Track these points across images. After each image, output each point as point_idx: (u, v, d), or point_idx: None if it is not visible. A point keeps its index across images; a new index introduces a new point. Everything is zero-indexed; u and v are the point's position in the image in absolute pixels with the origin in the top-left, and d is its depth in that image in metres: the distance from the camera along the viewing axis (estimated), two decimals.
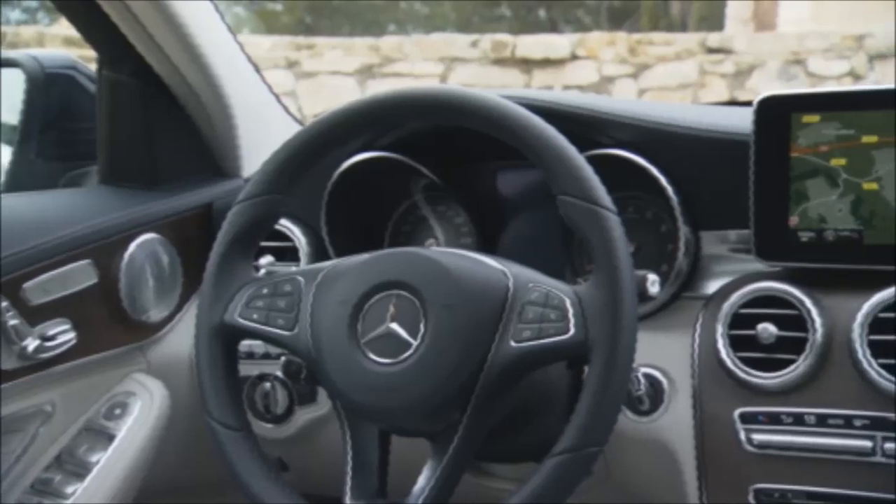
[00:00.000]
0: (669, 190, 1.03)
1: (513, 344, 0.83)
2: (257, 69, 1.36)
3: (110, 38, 1.20)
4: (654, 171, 1.03)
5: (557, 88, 5.96)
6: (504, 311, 0.84)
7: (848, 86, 0.96)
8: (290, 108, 1.45)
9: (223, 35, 1.28)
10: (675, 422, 1.01)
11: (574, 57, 6.03)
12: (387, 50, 6.22)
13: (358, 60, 6.17)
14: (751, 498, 0.94)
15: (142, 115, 1.26)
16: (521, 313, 0.83)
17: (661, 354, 1.04)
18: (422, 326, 0.84)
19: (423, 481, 0.84)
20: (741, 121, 0.99)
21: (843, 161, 0.94)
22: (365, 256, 0.91)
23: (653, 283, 0.90)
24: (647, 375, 1.03)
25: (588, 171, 0.85)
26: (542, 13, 13.43)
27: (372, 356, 0.84)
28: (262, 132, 1.33)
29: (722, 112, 1.10)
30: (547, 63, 6.02)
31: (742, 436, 0.95)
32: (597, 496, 1.10)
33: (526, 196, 1.20)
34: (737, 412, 0.96)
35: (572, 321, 0.82)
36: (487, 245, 1.19)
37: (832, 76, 5.57)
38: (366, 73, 6.15)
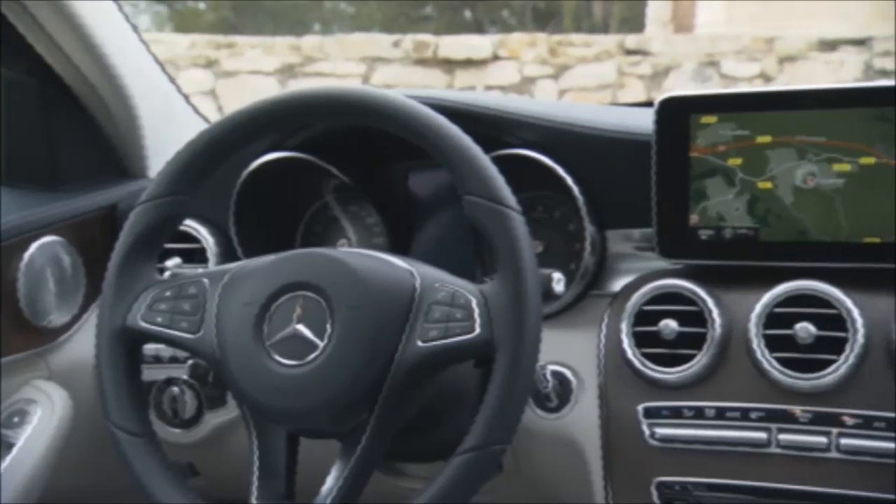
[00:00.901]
0: (575, 189, 1.04)
1: (419, 344, 0.83)
2: (163, 68, 1.34)
3: (7, 37, 1.16)
4: (560, 170, 1.04)
5: (480, 89, 6.00)
6: (411, 311, 0.84)
7: (744, 87, 0.99)
8: (210, 107, 1.43)
9: (126, 34, 1.25)
10: (582, 418, 1.02)
11: (496, 57, 6.07)
12: (308, 49, 6.17)
13: (279, 60, 6.11)
14: (653, 491, 0.96)
15: (41, 115, 1.23)
16: (428, 313, 0.84)
17: (569, 352, 1.06)
18: (328, 327, 0.83)
19: (330, 482, 0.84)
20: (645, 122, 1.01)
21: (739, 161, 0.97)
22: (271, 257, 0.90)
23: (558, 281, 0.92)
24: (555, 373, 1.04)
25: (492, 171, 0.86)
26: (467, 14, 13.50)
27: (278, 358, 0.84)
28: (169, 132, 1.31)
29: (627, 113, 1.12)
30: (469, 63, 6.05)
31: (645, 430, 0.97)
32: (508, 494, 1.11)
33: (438, 196, 1.21)
34: (640, 407, 0.98)
35: (478, 320, 0.82)
36: (400, 245, 1.19)
37: (744, 77, 5.72)
38: (287, 72, 6.09)
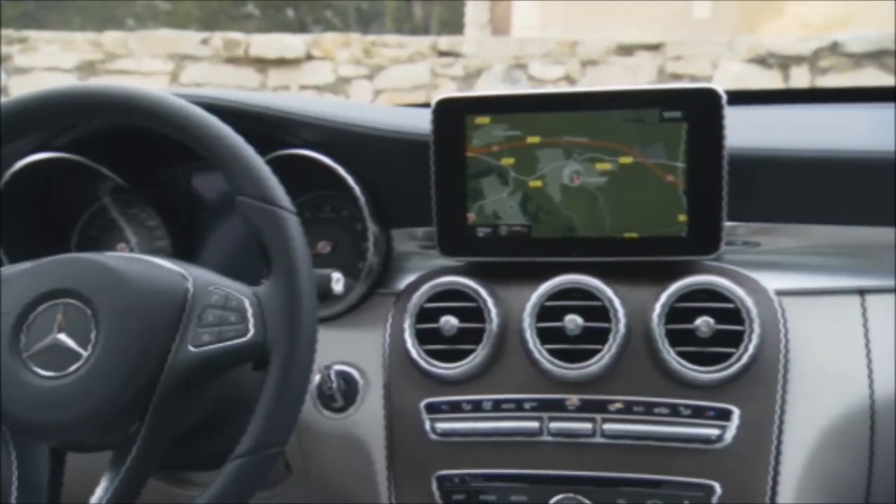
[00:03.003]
0: (357, 189, 1.05)
1: (191, 349, 0.81)
2: None
3: None
4: (341, 170, 1.05)
5: (294, 89, 5.94)
6: (183, 315, 0.82)
7: (515, 89, 1.02)
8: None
9: None
10: (369, 417, 1.03)
11: (310, 57, 6.02)
12: (110, 46, 5.89)
13: (78, 56, 5.80)
14: (433, 485, 0.98)
15: None
16: (201, 317, 0.82)
17: (356, 351, 1.06)
18: (93, 336, 0.80)
19: (99, 492, 0.81)
20: (424, 122, 1.03)
21: (511, 160, 1.00)
22: (28, 264, 0.86)
23: (337, 281, 0.92)
24: (340, 373, 1.05)
25: (264, 171, 0.85)
26: (290, 13, 13.29)
27: (37, 370, 0.80)
28: None
29: (408, 114, 1.14)
30: (282, 63, 5.97)
31: (427, 425, 0.99)
32: (299, 495, 1.11)
33: (224, 198, 1.18)
34: (423, 403, 1.00)
35: (251, 323, 0.82)
36: (185, 249, 1.16)
37: (550, 79, 5.95)
38: (88, 69, 5.79)
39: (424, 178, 1.03)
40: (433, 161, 1.02)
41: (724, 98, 0.95)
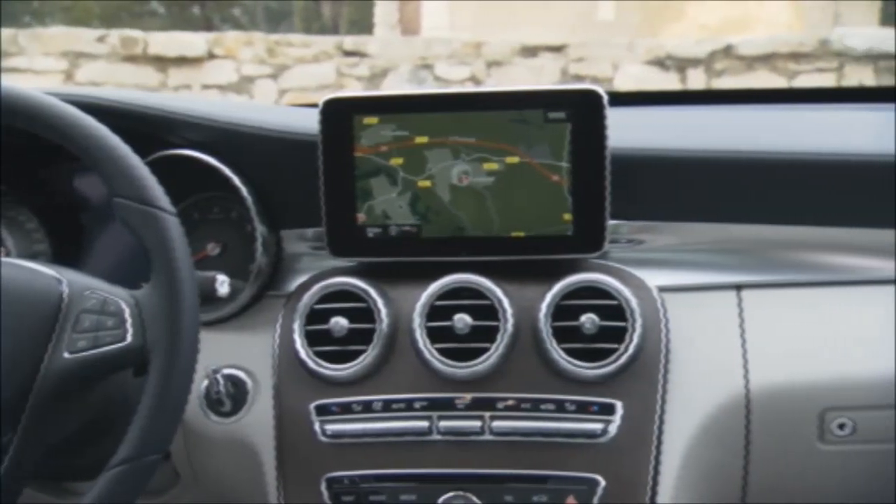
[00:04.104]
0: (243, 190, 1.04)
1: (66, 355, 0.79)
2: None
3: None
4: (226, 171, 1.03)
5: (196, 88, 5.83)
6: (57, 321, 0.80)
7: (403, 89, 1.03)
8: None
9: None
10: (258, 421, 1.02)
11: (211, 56, 5.91)
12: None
13: None
14: (323, 487, 0.97)
15: None
16: (77, 322, 0.80)
17: (246, 354, 1.05)
18: None
19: None
20: (312, 122, 1.02)
21: (400, 160, 1.01)
22: None
23: (221, 283, 0.91)
24: (229, 376, 1.03)
25: (141, 172, 0.83)
26: (196, 10, 13.00)
27: None
28: None
29: (296, 113, 1.13)
30: (183, 61, 5.84)
31: (317, 428, 0.98)
32: (187, 502, 1.09)
33: (107, 199, 1.15)
34: (312, 405, 0.99)
35: (130, 327, 0.80)
36: (67, 252, 1.12)
37: (456, 80, 5.98)
38: None
39: (313, 179, 1.02)
40: (321, 161, 1.01)
41: (606, 99, 0.97)
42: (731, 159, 1.02)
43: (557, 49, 5.99)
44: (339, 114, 1.01)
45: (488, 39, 6.02)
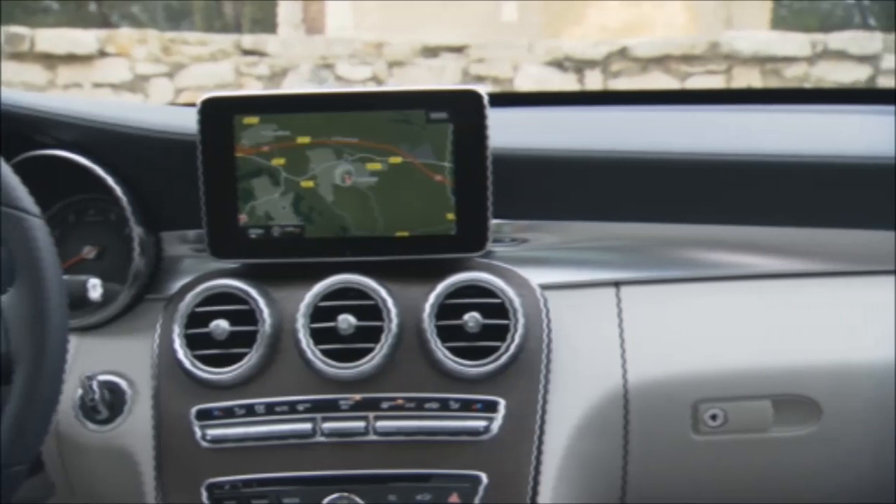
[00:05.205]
0: (117, 190, 1.01)
1: None
2: None
3: None
4: (100, 171, 1.01)
5: (87, 87, 5.64)
6: None
7: (284, 89, 1.01)
8: None
9: None
10: (137, 428, 0.99)
11: (103, 54, 5.73)
12: None
13: None
14: (203, 493, 0.95)
15: None
16: None
17: (124, 360, 1.02)
18: None
19: None
20: (192, 122, 1.00)
21: (282, 161, 0.99)
22: None
23: (94, 287, 0.88)
24: (105, 383, 1.00)
25: (3, 171, 0.80)
26: (93, 7, 12.59)
27: None
28: None
29: (175, 113, 1.11)
30: (73, 59, 5.64)
31: (198, 433, 0.96)
32: None
33: None
34: (193, 410, 0.97)
35: None
36: None
37: (357, 80, 5.94)
38: None
39: (194, 180, 1.00)
40: (201, 162, 0.99)
41: (487, 99, 0.98)
42: (611, 159, 1.05)
43: (458, 50, 6.01)
44: (218, 114, 0.99)
45: (391, 40, 6.01)
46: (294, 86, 5.73)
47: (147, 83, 5.77)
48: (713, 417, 1.02)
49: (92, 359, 1.00)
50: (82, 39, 5.73)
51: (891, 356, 1.01)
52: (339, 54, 6.02)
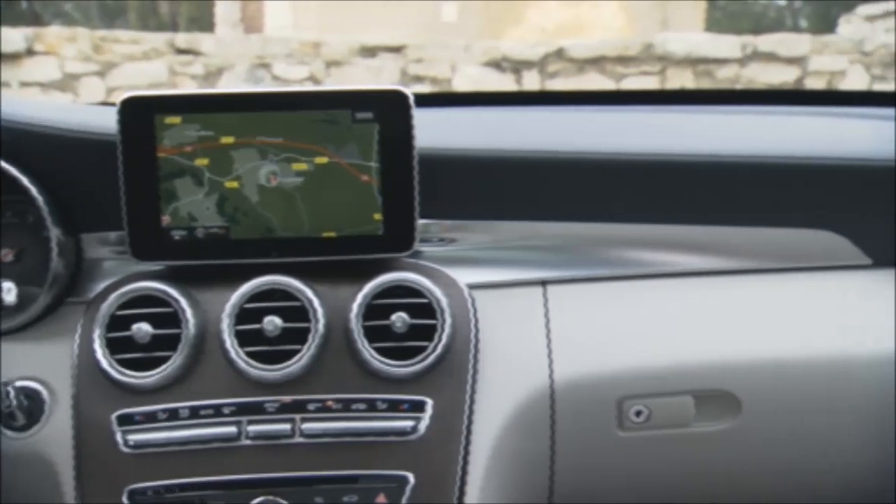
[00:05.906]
0: (32, 190, 0.99)
1: None
2: None
3: None
4: (13, 171, 0.98)
5: (15, 85, 5.50)
6: None
7: (206, 89, 1.00)
8: None
9: None
10: (56, 434, 0.97)
11: (31, 52, 5.59)
12: None
13: None
14: (125, 500, 0.93)
15: None
16: None
17: (43, 365, 1.00)
18: None
19: None
20: (111, 121, 0.98)
21: (206, 161, 0.98)
22: None
23: (7, 290, 0.86)
24: (22, 389, 0.97)
25: None
26: (24, 5, 12.28)
27: None
28: None
29: (94, 112, 1.08)
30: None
31: (119, 438, 0.94)
32: None
33: None
34: (114, 415, 0.95)
35: None
36: None
37: (294, 79, 5.90)
38: None
39: (115, 181, 0.98)
40: (121, 162, 0.97)
41: (412, 99, 0.98)
42: (537, 159, 1.05)
43: (397, 50, 6.01)
44: (139, 113, 0.97)
45: (329, 39, 5.97)
46: (229, 85, 5.66)
47: (77, 82, 5.65)
48: (637, 414, 1.03)
49: (10, 364, 0.98)
50: (10, 38, 5.59)
51: (808, 351, 1.04)
52: (275, 54, 5.97)
